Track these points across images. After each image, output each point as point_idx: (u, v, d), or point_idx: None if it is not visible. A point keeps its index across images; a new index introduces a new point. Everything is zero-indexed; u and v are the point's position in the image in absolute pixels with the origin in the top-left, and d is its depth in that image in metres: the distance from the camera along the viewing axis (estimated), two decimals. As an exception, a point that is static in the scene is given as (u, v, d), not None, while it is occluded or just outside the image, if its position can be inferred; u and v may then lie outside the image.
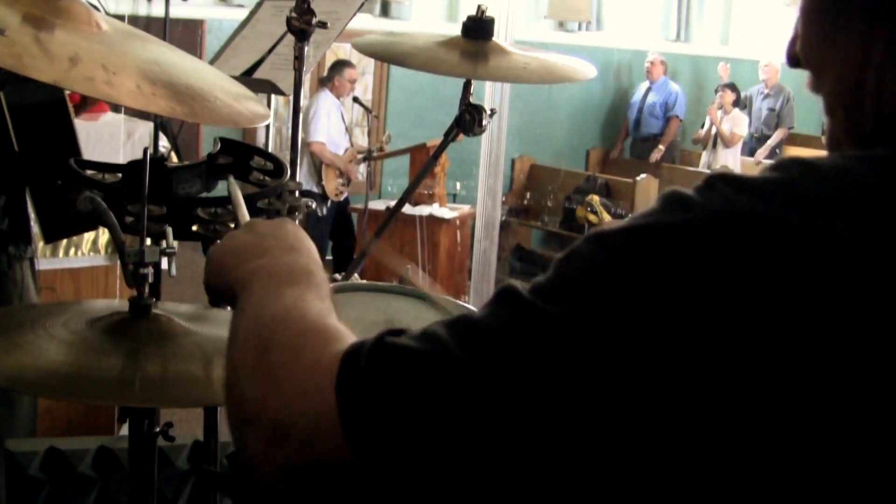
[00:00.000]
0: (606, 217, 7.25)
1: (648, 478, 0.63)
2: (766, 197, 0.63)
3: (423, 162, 5.32)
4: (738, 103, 8.43)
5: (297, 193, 1.61)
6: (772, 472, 0.61)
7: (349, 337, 0.73)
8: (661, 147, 8.58)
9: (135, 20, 4.89)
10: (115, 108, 3.65)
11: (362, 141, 6.90)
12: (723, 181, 0.65)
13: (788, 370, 0.60)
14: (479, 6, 1.96)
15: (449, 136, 2.06)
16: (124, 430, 3.03)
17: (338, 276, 1.87)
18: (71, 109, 1.95)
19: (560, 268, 0.66)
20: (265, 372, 0.72)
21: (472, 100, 2.02)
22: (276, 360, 0.73)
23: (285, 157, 1.75)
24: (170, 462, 2.40)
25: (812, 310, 0.60)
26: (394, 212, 2.19)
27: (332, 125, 6.18)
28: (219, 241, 0.99)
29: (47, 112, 1.90)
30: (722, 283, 0.61)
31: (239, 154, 1.74)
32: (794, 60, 0.79)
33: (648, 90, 8.72)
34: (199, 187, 1.69)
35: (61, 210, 1.39)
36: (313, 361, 0.70)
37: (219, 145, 1.74)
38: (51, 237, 2.09)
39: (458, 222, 6.24)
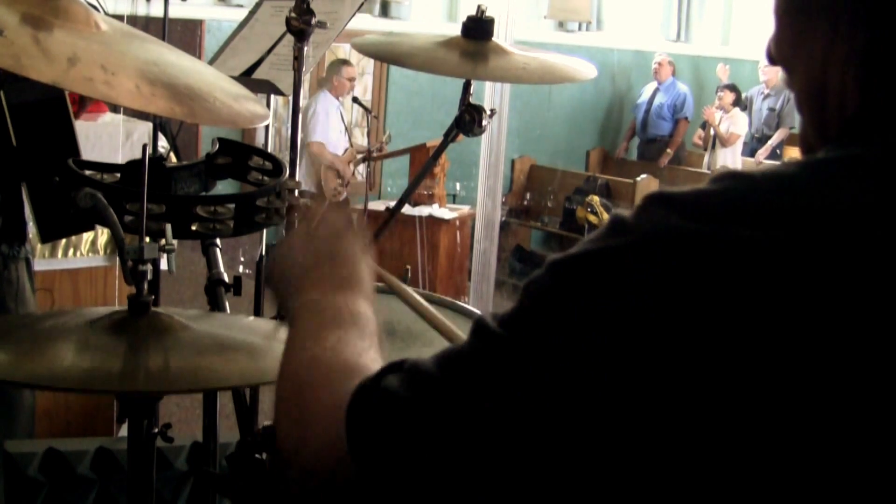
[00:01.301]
0: (606, 218, 7.23)
1: None
2: (697, 214, 0.65)
3: (423, 162, 5.32)
4: (738, 104, 8.42)
5: (296, 192, 1.61)
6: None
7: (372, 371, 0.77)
8: (670, 151, 8.55)
9: (134, 20, 4.88)
10: (114, 109, 3.65)
11: (362, 141, 6.89)
12: (656, 202, 0.67)
13: (723, 386, 0.61)
14: (479, 6, 1.95)
15: (449, 137, 2.05)
16: (123, 430, 3.03)
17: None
18: (70, 108, 1.95)
19: (520, 297, 0.70)
20: (299, 413, 0.78)
21: (472, 100, 2.01)
22: (308, 402, 0.79)
23: (285, 158, 1.74)
24: (169, 463, 2.40)
25: (733, 319, 0.61)
26: (393, 212, 2.18)
27: (332, 125, 6.17)
28: (279, 249, 1.04)
29: (47, 110, 1.90)
30: (659, 303, 0.63)
31: (237, 154, 1.74)
32: (771, 58, 0.82)
33: (656, 91, 8.68)
34: (197, 187, 1.69)
35: (59, 209, 1.39)
36: (336, 404, 0.75)
37: (217, 146, 1.74)
38: (48, 237, 2.08)
39: (457, 223, 6.23)
